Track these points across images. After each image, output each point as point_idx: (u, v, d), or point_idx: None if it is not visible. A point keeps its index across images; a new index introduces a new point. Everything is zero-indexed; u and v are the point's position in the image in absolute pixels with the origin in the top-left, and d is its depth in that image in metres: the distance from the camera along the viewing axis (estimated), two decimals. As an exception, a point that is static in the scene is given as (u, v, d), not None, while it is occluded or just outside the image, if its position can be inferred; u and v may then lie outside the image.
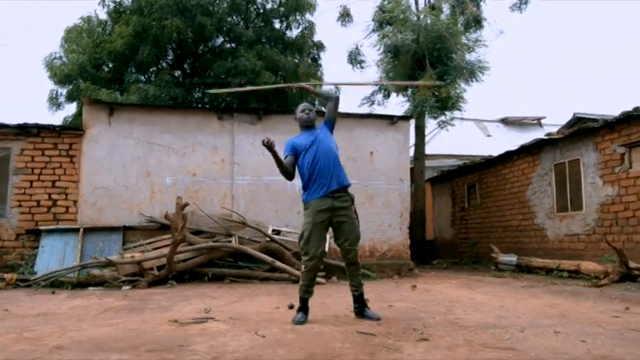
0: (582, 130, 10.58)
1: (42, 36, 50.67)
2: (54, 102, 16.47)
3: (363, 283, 4.90)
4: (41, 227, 9.09)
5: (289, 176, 4.92)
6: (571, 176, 10.84)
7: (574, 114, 15.13)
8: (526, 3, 15.41)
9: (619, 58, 62.91)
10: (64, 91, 16.24)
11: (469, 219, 15.44)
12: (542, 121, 24.77)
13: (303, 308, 4.70)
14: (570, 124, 14.84)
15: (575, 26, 70.39)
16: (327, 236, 5.66)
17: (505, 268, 10.69)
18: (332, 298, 6.46)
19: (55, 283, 7.86)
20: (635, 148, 9.34)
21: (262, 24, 17.04)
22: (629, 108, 9.30)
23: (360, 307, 4.84)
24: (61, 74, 15.38)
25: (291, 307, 5.30)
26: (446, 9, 14.82)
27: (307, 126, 5.02)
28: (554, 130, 15.35)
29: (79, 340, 3.87)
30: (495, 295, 6.90)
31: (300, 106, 5.11)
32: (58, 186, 9.44)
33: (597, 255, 9.66)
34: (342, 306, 5.66)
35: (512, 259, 10.78)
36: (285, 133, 10.19)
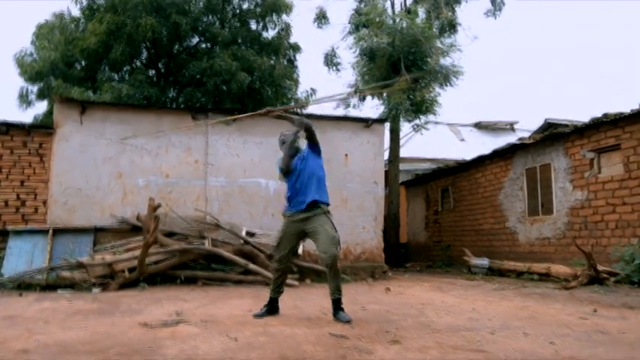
0: (553, 135, 10.77)
1: (12, 32, 49.60)
2: (24, 99, 16.10)
3: (340, 288, 4.91)
4: (9, 228, 8.87)
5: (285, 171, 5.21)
6: (542, 181, 11.02)
7: (545, 119, 15.40)
8: (500, 9, 15.66)
9: (592, 63, 64.27)
10: (34, 88, 15.90)
11: (442, 222, 15.58)
12: (515, 125, 25.11)
13: (268, 305, 5.19)
14: (542, 129, 15.09)
15: (549, 32, 71.72)
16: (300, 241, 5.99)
17: (477, 271, 10.82)
18: (305, 301, 6.45)
19: (22, 286, 7.68)
20: (604, 154, 9.55)
21: (238, 24, 16.92)
22: (599, 114, 9.52)
23: (334, 310, 4.89)
24: (31, 71, 15.06)
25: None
26: (421, 13, 14.95)
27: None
28: (527, 134, 15.58)
29: (45, 344, 3.79)
30: (467, 297, 6.97)
31: (279, 139, 5.36)
32: (27, 186, 9.23)
33: (567, 258, 9.83)
34: (315, 308, 5.66)
35: (484, 262, 10.90)
36: (260, 135, 10.28)
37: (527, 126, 22.09)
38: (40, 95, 15.86)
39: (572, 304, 6.20)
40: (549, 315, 5.28)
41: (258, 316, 5.04)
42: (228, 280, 8.60)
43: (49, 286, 7.77)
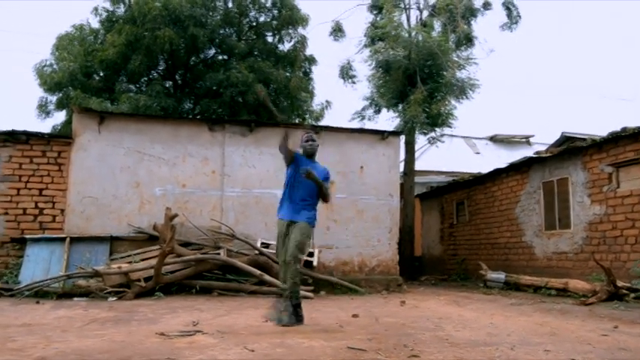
0: (571, 149, 10.68)
1: (33, 42, 50.50)
2: (43, 109, 16.34)
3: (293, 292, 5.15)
4: (27, 236, 8.96)
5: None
6: (559, 195, 10.91)
7: (562, 133, 15.29)
8: (516, 23, 15.67)
9: (607, 78, 63.83)
10: (53, 98, 16.13)
11: (458, 235, 15.46)
12: (531, 139, 25.01)
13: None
14: (558, 143, 14.99)
15: (564, 46, 71.44)
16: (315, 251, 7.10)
17: (493, 285, 10.69)
18: (321, 313, 6.41)
19: (39, 293, 7.74)
20: (623, 168, 9.43)
21: (255, 37, 17.09)
22: (617, 128, 9.42)
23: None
24: (51, 82, 15.29)
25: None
26: (437, 26, 14.99)
27: (309, 155, 5.45)
28: (543, 148, 15.49)
29: (63, 352, 3.80)
30: (484, 312, 6.89)
31: (305, 136, 5.50)
32: (46, 194, 9.32)
33: (585, 273, 9.70)
34: (332, 321, 5.62)
35: (501, 276, 10.78)
36: (275, 146, 10.21)
37: (544, 140, 21.98)
38: (59, 105, 16.07)
39: (592, 320, 6.10)
40: (569, 331, 5.19)
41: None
42: (242, 290, 8.58)
43: (66, 294, 7.83)
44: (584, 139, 10.97)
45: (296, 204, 5.31)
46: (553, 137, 16.07)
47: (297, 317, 5.11)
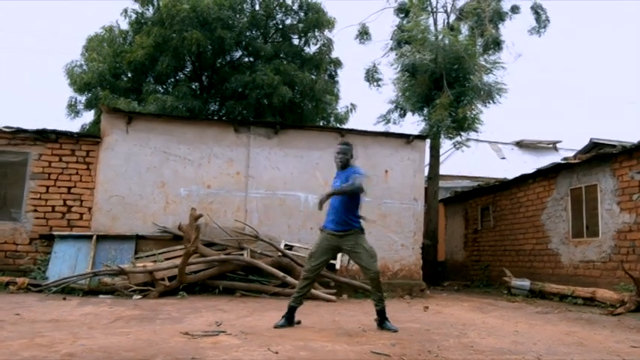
0: (600, 155, 10.48)
1: (63, 44, 51.47)
2: (73, 109, 16.60)
3: (383, 299, 5.35)
4: (55, 233, 9.12)
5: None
6: (587, 202, 10.71)
7: (591, 139, 15.01)
8: (545, 27, 15.46)
9: (636, 83, 62.55)
10: (83, 98, 16.37)
11: (482, 241, 15.29)
12: (558, 145, 24.65)
13: (287, 314, 5.26)
14: (587, 149, 14.72)
15: (591, 51, 70.27)
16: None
17: (517, 292, 10.54)
18: (343, 316, 6.40)
19: (66, 290, 7.89)
20: (654, 176, 9.22)
21: (281, 39, 17.15)
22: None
23: (380, 320, 5.30)
24: (80, 82, 15.52)
25: (298, 322, 5.41)
26: (465, 30, 14.86)
27: (339, 167, 5.51)
28: (570, 154, 15.23)
29: (90, 348, 3.85)
30: (509, 319, 6.80)
31: (337, 147, 5.57)
32: (74, 192, 9.48)
33: (613, 283, 9.50)
34: (355, 325, 5.61)
35: (525, 283, 10.63)
36: (300, 148, 10.33)
37: (571, 145, 21.65)
38: (88, 105, 16.31)
39: (620, 331, 5.97)
40: (597, 342, 5.09)
41: (278, 326, 5.14)
42: (265, 291, 8.61)
43: (92, 291, 7.95)
44: (614, 146, 10.75)
45: (335, 214, 5.34)
46: (581, 143, 15.80)
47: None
